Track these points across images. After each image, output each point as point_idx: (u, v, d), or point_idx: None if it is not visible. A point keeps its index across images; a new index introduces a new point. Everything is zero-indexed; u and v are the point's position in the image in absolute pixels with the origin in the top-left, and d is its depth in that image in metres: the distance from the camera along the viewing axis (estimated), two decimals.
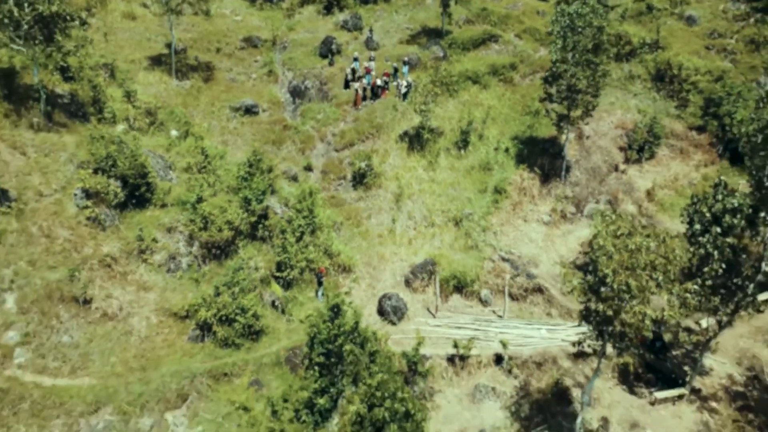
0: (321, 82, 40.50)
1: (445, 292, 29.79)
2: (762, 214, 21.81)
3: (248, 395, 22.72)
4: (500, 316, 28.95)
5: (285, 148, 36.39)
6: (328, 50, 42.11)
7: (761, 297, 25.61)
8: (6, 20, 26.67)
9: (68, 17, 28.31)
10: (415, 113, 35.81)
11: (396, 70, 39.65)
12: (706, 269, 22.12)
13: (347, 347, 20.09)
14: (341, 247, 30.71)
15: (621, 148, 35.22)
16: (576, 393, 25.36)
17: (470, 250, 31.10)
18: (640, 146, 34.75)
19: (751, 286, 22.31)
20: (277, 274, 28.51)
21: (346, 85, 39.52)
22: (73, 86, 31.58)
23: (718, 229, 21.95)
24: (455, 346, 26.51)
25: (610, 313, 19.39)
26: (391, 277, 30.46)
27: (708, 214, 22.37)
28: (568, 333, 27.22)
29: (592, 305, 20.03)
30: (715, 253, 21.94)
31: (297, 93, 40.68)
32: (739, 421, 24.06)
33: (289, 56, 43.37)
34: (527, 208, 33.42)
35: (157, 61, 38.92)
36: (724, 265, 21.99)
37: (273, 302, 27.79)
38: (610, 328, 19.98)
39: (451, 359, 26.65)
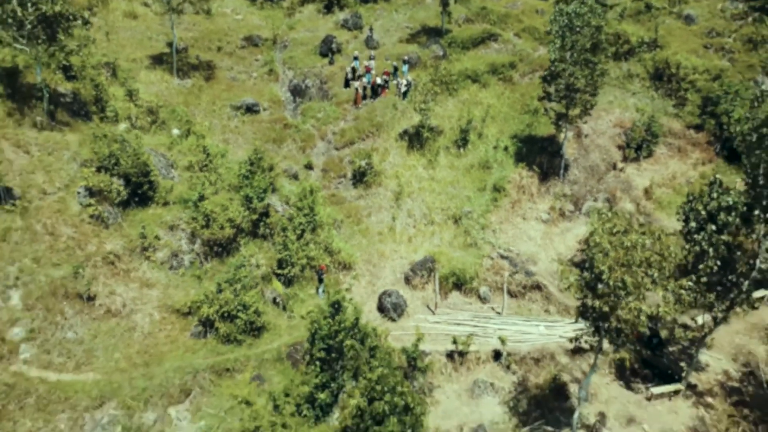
0: (321, 81, 40.67)
1: (445, 289, 30.03)
2: (757, 212, 22.08)
3: (250, 390, 23.00)
4: (499, 313, 29.21)
5: (286, 147, 36.60)
6: (328, 49, 42.28)
7: (756, 294, 25.93)
8: (9, 20, 26.91)
9: (71, 17, 28.56)
10: (414, 112, 36.01)
11: (396, 68, 39.79)
12: (701, 266, 22.39)
13: (348, 343, 20.36)
14: (342, 245, 30.93)
15: (619, 147, 35.42)
16: (573, 388, 25.63)
17: (469, 248, 31.32)
18: (639, 145, 34.96)
19: (746, 283, 22.56)
20: (278, 271, 28.74)
21: (347, 84, 39.71)
22: (75, 85, 31.82)
23: (714, 227, 22.22)
24: (454, 342, 26.76)
25: (606, 309, 19.61)
26: (391, 274, 30.67)
27: (703, 212, 22.62)
28: (566, 329, 27.49)
29: (589, 302, 20.27)
30: (711, 250, 22.20)
31: (297, 92, 40.86)
32: (735, 416, 24.33)
33: (289, 55, 43.55)
34: (526, 206, 33.61)
35: (158, 60, 39.10)
36: (719, 262, 22.25)
37: (274, 299, 28.07)
38: (607, 324, 20.21)
39: (450, 355, 26.89)
